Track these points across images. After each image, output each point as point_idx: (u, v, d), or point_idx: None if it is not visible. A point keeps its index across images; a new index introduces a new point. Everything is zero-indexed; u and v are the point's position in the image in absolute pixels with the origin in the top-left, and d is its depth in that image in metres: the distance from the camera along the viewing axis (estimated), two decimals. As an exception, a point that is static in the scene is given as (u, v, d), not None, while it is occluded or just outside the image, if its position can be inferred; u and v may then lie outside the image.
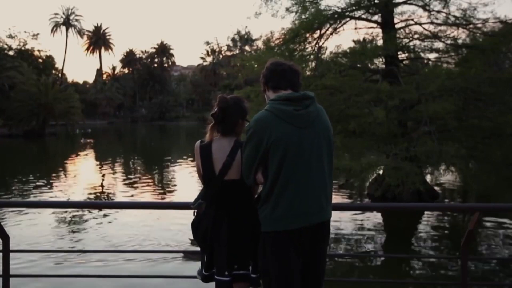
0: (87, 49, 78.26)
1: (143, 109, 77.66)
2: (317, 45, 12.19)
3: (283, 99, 2.40)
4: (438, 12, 11.78)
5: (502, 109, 10.37)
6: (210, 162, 2.56)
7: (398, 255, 8.22)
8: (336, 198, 12.20)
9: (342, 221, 9.75)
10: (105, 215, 10.59)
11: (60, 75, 66.46)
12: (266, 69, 2.56)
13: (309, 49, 12.35)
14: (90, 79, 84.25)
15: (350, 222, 9.91)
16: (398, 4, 12.17)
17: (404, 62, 13.41)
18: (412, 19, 12.33)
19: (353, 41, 16.74)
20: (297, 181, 2.35)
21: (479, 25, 11.56)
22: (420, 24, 12.12)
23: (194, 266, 2.87)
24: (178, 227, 8.85)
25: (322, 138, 2.41)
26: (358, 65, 12.60)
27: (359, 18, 12.46)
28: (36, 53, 55.81)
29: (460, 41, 11.89)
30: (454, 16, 11.57)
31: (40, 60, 56.88)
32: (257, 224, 2.47)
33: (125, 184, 16.05)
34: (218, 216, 2.57)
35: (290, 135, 2.33)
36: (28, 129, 40.34)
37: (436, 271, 7.01)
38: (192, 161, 19.39)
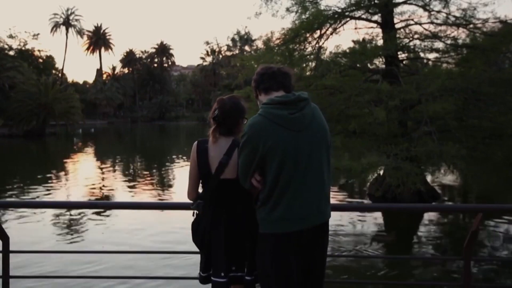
0: (87, 49, 78.34)
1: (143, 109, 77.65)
2: (317, 45, 12.18)
3: (277, 102, 2.36)
4: (438, 12, 11.78)
5: (502, 109, 10.36)
6: (207, 161, 2.55)
7: (399, 256, 8.21)
8: (336, 198, 12.19)
9: (342, 221, 9.74)
10: (104, 215, 10.58)
11: (60, 75, 66.46)
12: (256, 74, 2.56)
13: (309, 49, 12.35)
14: (90, 79, 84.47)
15: (350, 223, 9.90)
16: (398, 4, 12.15)
17: (404, 62, 13.40)
18: (412, 19, 12.33)
19: (353, 41, 16.71)
20: (295, 185, 2.33)
21: (479, 25, 11.54)
22: (420, 24, 12.11)
23: (195, 267, 2.86)
24: (178, 228, 8.84)
25: (319, 139, 2.39)
26: (358, 65, 12.59)
27: (359, 18, 12.44)
28: (36, 53, 56.00)
29: (460, 41, 11.87)
30: (454, 16, 11.56)
31: (40, 60, 57.02)
32: (255, 224, 2.46)
33: (124, 184, 16.04)
34: (216, 216, 2.56)
35: (287, 139, 2.31)
36: (28, 129, 40.29)
37: (438, 272, 7.00)
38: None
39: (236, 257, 2.54)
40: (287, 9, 12.28)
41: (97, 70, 78.62)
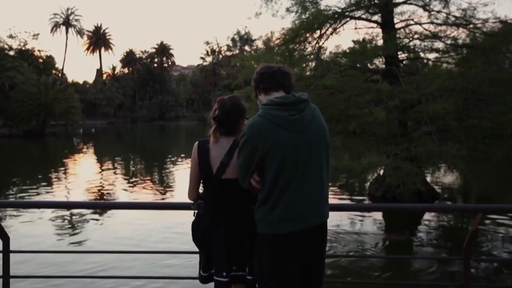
0: (87, 49, 78.40)
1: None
2: (317, 45, 12.17)
3: (276, 103, 2.35)
4: (438, 12, 11.76)
5: (502, 109, 10.35)
6: (208, 161, 2.55)
7: (399, 256, 8.21)
8: (336, 198, 12.19)
9: (342, 221, 9.74)
10: (105, 215, 10.58)
11: (60, 75, 66.50)
12: (256, 73, 2.55)
13: (309, 49, 12.34)
14: (90, 79, 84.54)
15: (350, 222, 9.90)
16: (398, 4, 12.14)
17: (404, 62, 13.39)
18: (412, 19, 12.32)
19: (353, 41, 16.70)
20: (294, 186, 2.33)
21: (479, 25, 11.53)
22: (420, 24, 12.09)
23: (194, 267, 2.86)
24: (178, 228, 8.84)
25: (318, 140, 2.39)
26: (358, 65, 12.58)
27: (359, 18, 12.43)
28: (36, 53, 56.09)
29: (460, 41, 11.87)
30: (454, 16, 11.54)
31: (40, 60, 57.09)
32: (255, 224, 2.46)
33: (125, 184, 16.04)
34: (216, 216, 2.56)
35: (286, 141, 2.31)
36: (28, 129, 40.32)
37: (438, 272, 6.99)
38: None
39: (237, 257, 2.54)
40: (287, 9, 12.27)
41: (97, 70, 78.68)
